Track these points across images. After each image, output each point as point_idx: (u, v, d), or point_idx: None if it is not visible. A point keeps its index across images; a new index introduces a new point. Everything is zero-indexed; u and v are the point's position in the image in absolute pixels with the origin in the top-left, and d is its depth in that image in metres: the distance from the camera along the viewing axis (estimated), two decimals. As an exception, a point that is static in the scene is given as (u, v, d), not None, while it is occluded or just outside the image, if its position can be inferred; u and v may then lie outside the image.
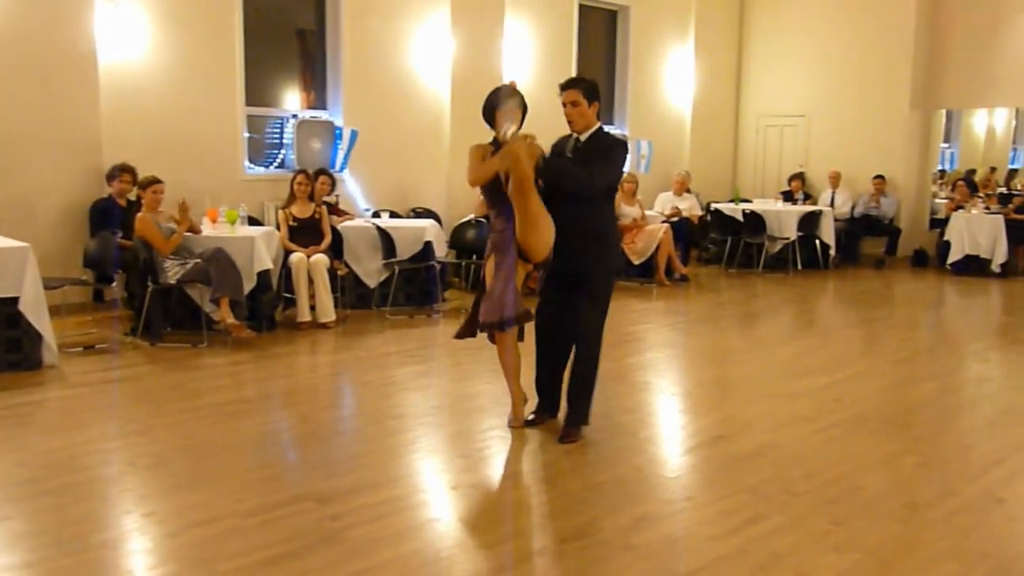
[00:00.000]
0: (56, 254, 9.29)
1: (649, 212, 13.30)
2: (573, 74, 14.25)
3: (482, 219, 10.84)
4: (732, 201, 15.03)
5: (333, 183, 10.54)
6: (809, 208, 14.41)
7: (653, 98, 15.98)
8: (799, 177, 15.94)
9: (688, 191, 14.63)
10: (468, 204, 11.88)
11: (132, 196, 9.32)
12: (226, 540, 4.17)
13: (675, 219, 13.58)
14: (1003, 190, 16.13)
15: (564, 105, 5.84)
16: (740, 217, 14.01)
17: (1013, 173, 17.11)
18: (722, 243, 14.38)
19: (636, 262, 12.39)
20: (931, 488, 5.02)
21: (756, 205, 14.58)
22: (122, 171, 9.38)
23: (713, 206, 14.71)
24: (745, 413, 6.51)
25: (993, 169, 16.85)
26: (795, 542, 4.25)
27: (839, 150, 16.03)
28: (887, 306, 11.77)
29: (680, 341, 9.25)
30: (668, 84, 16.16)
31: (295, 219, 9.52)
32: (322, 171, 10.39)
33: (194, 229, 8.74)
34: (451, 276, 11.41)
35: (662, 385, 7.38)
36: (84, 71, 9.47)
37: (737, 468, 5.30)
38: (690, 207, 14.13)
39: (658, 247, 12.45)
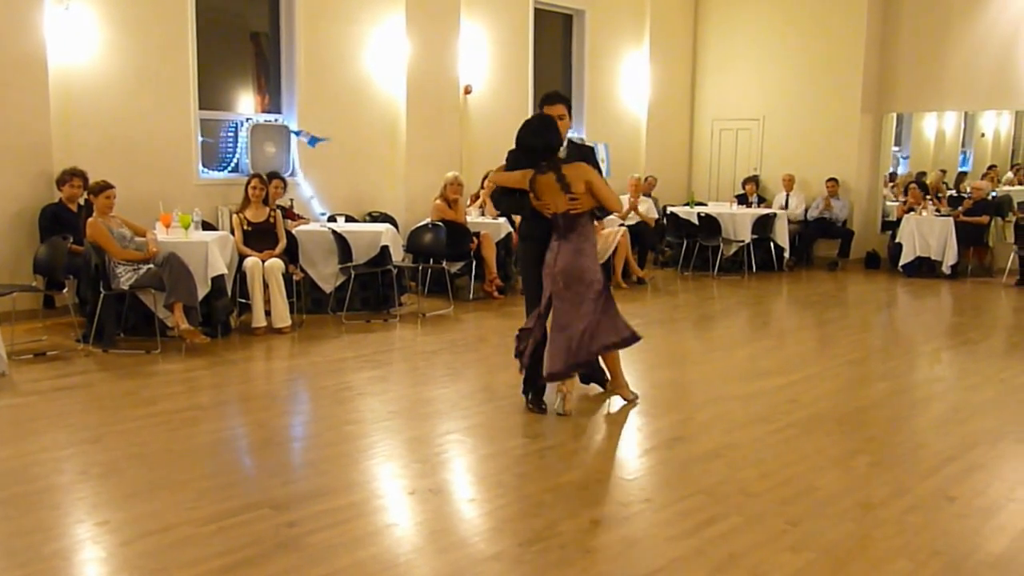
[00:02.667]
0: (5, 260, 9.15)
1: (610, 217, 13.34)
2: (530, 78, 14.32)
3: (439, 223, 10.83)
4: (687, 204, 15.12)
5: (285, 186, 10.48)
6: (763, 211, 14.53)
7: (609, 101, 16.06)
8: (753, 180, 16.09)
9: (647, 195, 14.71)
10: (425, 208, 11.86)
11: (82, 201, 9.21)
12: (181, 548, 4.13)
13: (633, 223, 13.66)
14: (952, 193, 16.36)
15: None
16: (695, 220, 14.10)
17: (962, 176, 17.37)
18: (678, 246, 14.46)
19: (594, 265, 12.48)
20: (884, 487, 5.09)
21: (711, 208, 14.67)
22: (72, 175, 9.25)
23: (669, 209, 14.78)
24: (702, 415, 6.55)
25: (944, 172, 17.09)
26: (752, 542, 4.29)
27: (793, 153, 16.21)
28: (840, 308, 11.90)
29: (639, 344, 9.27)
30: (624, 87, 16.25)
31: (249, 223, 9.45)
32: (275, 175, 10.33)
33: (148, 254, 8.57)
34: (408, 280, 11.38)
35: (619, 388, 7.39)
36: (33, 74, 9.34)
37: (694, 469, 5.33)
38: (647, 210, 14.21)
39: (615, 250, 12.51)
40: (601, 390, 6.90)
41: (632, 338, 6.47)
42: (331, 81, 12.03)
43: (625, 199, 14.10)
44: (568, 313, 6.22)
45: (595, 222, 6.45)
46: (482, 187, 12.30)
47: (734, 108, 17.01)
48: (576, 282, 6.21)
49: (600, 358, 6.62)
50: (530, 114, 9.09)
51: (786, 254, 14.54)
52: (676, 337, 9.73)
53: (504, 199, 6.66)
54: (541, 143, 6.22)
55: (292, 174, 11.53)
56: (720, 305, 11.83)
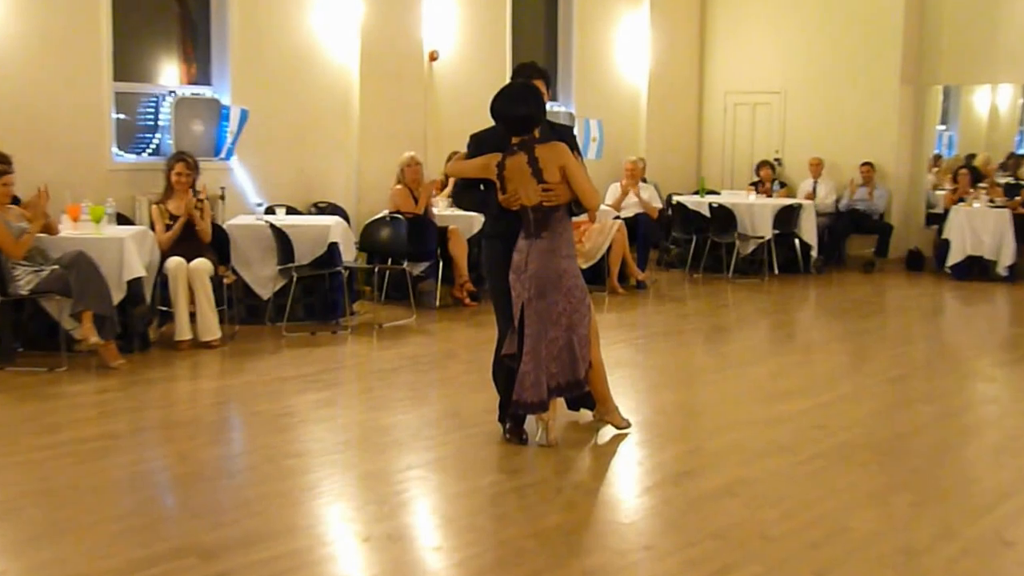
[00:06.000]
0: None
1: (602, 206, 13.31)
2: (508, 44, 14.30)
3: (397, 215, 10.81)
4: (697, 193, 15.12)
5: (196, 171, 10.29)
6: (787, 201, 14.58)
7: (603, 72, 16.07)
8: (769, 164, 16.10)
9: (644, 180, 14.72)
10: (381, 197, 11.84)
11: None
12: (89, 606, 4.11)
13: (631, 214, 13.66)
14: (1010, 179, 16.38)
15: None
16: (706, 212, 14.11)
17: (1019, 160, 17.34)
18: (685, 243, 14.46)
19: (584, 266, 12.38)
20: (929, 529, 5.11)
21: (725, 198, 14.68)
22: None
23: (675, 199, 14.78)
24: (713, 444, 6.56)
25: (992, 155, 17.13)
26: (771, 596, 4.30)
27: (820, 132, 16.24)
28: (878, 316, 11.95)
29: (637, 360, 9.32)
30: (620, 55, 16.26)
31: (173, 216, 9.42)
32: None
33: (51, 228, 8.60)
34: (360, 284, 11.36)
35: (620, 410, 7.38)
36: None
37: (704, 509, 5.34)
38: (648, 199, 14.19)
39: (610, 248, 12.51)
40: (591, 417, 6.90)
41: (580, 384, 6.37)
42: (270, 47, 11.98)
43: (614, 188, 14.07)
44: (543, 327, 6.20)
45: (571, 220, 6.42)
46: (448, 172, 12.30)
47: (751, 79, 17.04)
48: (552, 289, 6.17)
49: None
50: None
51: (813, 252, 14.56)
52: (683, 352, 9.74)
53: (466, 195, 6.65)
54: (523, 112, 6.17)
55: (225, 157, 11.50)
56: (735, 313, 11.87)
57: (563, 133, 6.49)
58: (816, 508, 5.35)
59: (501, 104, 6.21)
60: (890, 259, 15.50)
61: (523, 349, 6.20)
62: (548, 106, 6.44)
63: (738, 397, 7.91)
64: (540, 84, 6.41)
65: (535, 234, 6.20)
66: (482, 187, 6.43)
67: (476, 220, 11.43)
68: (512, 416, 6.43)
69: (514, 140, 6.19)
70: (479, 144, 6.44)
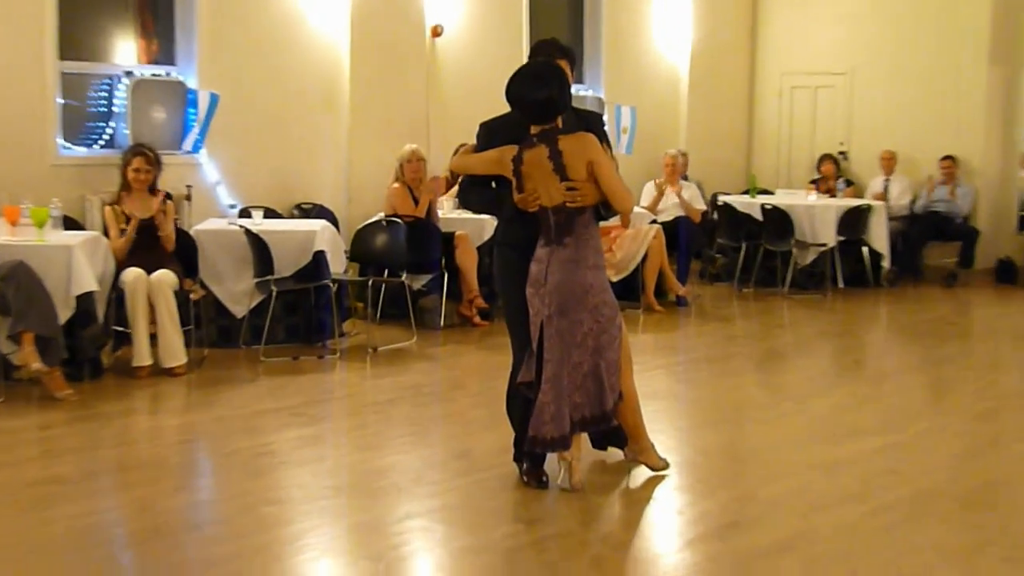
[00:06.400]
0: None
1: (636, 209, 13.29)
2: (525, 16, 14.32)
3: (394, 219, 10.80)
4: (747, 193, 15.13)
5: (158, 166, 10.28)
6: (853, 202, 14.55)
7: (636, 49, 16.09)
8: (832, 159, 16.06)
9: (685, 178, 14.71)
10: (376, 198, 11.84)
11: None
12: None
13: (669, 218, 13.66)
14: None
15: None
16: (758, 215, 14.10)
17: None
18: (733, 252, 14.48)
19: (615, 279, 12.36)
20: (1024, 593, 5.08)
21: (780, 198, 14.67)
22: None
23: (721, 200, 14.79)
24: (767, 491, 6.54)
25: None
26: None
27: (893, 121, 16.22)
28: (962, 339, 11.91)
29: (676, 390, 9.31)
30: (657, 30, 16.30)
31: (130, 220, 9.40)
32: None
33: None
34: (352, 300, 11.36)
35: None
36: None
37: (756, 569, 5.32)
38: (690, 200, 14.17)
39: (645, 257, 12.50)
40: (621, 456, 6.89)
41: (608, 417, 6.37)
42: (245, 20, 12.03)
43: (651, 187, 14.03)
44: (565, 351, 6.19)
45: (599, 223, 6.38)
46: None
47: (811, 58, 17.04)
48: (576, 305, 6.15)
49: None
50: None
51: (885, 263, 14.53)
52: (731, 381, 9.72)
53: (474, 194, 6.65)
54: (544, 96, 6.11)
55: (192, 150, 11.52)
56: (793, 336, 11.84)
57: (590, 122, 6.47)
58: (890, 568, 5.33)
59: (518, 87, 6.17)
60: (976, 270, 15.43)
61: (542, 376, 6.19)
62: (573, 90, 6.42)
63: (796, 436, 7.87)
64: (564, 64, 6.36)
65: (557, 241, 6.17)
66: (494, 185, 6.41)
67: (488, 224, 11.41)
68: (530, 455, 6.41)
69: (533, 130, 6.16)
70: (491, 134, 6.42)
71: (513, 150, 6.18)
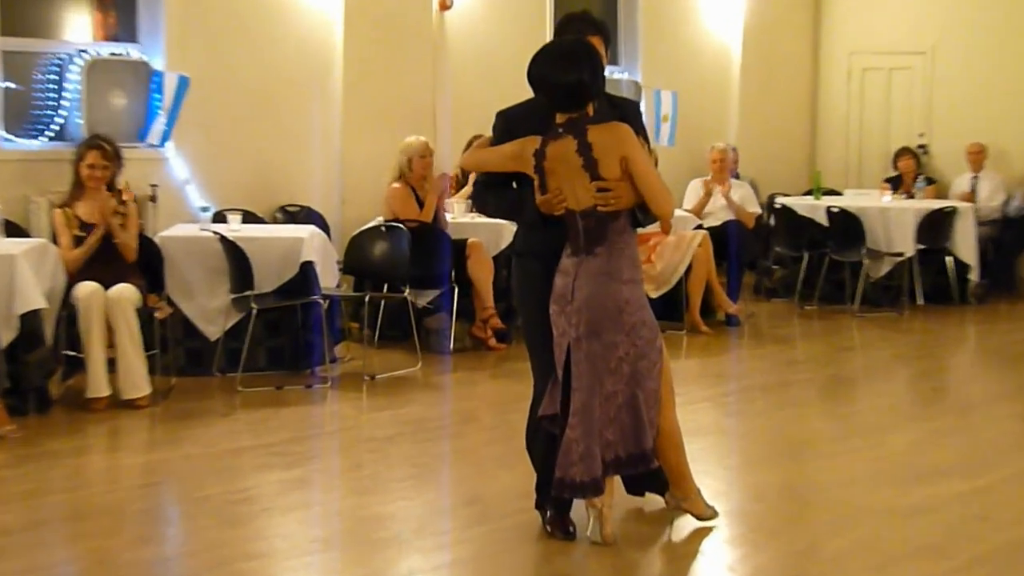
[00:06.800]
0: None
1: (678, 212, 13.23)
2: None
3: (395, 224, 10.80)
4: (810, 193, 15.13)
5: (119, 162, 10.30)
6: (935, 204, 14.52)
7: (679, 26, 16.12)
8: (912, 154, 16.04)
9: (736, 176, 14.69)
10: (374, 199, 11.85)
11: None
12: None
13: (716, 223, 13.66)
14: None
15: None
16: (823, 220, 14.10)
17: None
18: (793, 262, 14.48)
19: (655, 294, 12.34)
20: None
21: (848, 200, 14.69)
22: None
23: (778, 201, 14.78)
24: (833, 543, 6.54)
25: None
26: None
27: (982, 109, 16.21)
28: (1064, 364, 11.89)
29: (726, 425, 9.32)
30: (705, 4, 16.34)
31: (85, 226, 9.44)
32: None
33: None
34: (346, 320, 11.37)
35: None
36: None
37: (821, 634, 5.32)
38: (741, 202, 14.16)
39: (689, 269, 12.49)
40: (662, 503, 6.89)
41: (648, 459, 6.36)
42: (221, -8, 12.09)
43: (697, 186, 14.03)
44: (596, 378, 6.18)
45: (636, 229, 6.36)
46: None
47: (886, 35, 17.04)
48: (609, 326, 6.13)
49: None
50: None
51: (973, 275, 14.51)
52: (791, 413, 9.71)
53: (491, 196, 6.64)
54: (573, 79, 6.08)
55: (158, 143, 11.55)
56: (863, 360, 11.82)
57: (626, 111, 6.44)
58: (980, 633, 5.33)
59: (544, 67, 6.14)
60: (1081, 284, 15.45)
61: (569, 409, 6.19)
62: (606, 72, 6.42)
63: (867, 477, 7.84)
64: (597, 42, 6.33)
65: (586, 250, 6.15)
66: (514, 185, 6.41)
67: (506, 230, 11.42)
68: (554, 501, 6.40)
69: (559, 119, 6.13)
70: (510, 124, 6.38)
71: (535, 142, 6.13)
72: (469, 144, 11.95)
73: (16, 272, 8.57)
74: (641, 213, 6.21)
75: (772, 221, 14.73)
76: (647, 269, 12.29)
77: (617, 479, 6.44)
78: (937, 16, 16.56)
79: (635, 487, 6.81)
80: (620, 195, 6.05)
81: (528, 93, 6.27)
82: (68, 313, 9.20)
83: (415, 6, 13.08)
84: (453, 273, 11.23)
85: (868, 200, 14.58)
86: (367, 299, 11.19)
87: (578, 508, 6.42)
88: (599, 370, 6.12)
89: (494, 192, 6.56)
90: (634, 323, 6.14)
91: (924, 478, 7.71)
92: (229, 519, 6.79)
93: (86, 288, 9.10)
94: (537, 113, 6.23)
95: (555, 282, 6.20)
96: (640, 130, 6.33)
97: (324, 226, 11.57)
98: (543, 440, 6.41)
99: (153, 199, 11.25)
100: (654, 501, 6.87)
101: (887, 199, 14.62)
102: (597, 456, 6.11)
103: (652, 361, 6.19)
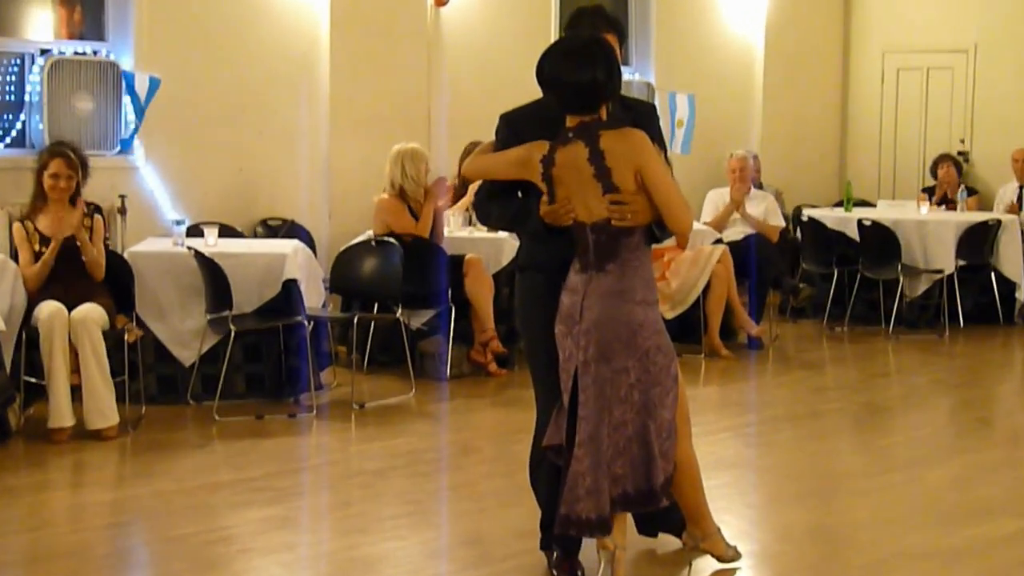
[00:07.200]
0: None
1: (696, 225, 13.17)
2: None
3: (389, 239, 10.78)
4: (840, 205, 15.10)
5: (85, 172, 10.29)
6: (978, 217, 14.52)
7: (696, 23, 16.15)
8: (953, 162, 16.02)
9: (759, 186, 14.69)
10: (363, 212, 11.84)
11: None
12: None
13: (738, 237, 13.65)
14: None
15: None
16: (854, 234, 14.09)
17: None
18: (823, 280, 14.48)
19: (670, 315, 12.32)
20: None
21: (883, 212, 14.68)
22: None
23: (805, 214, 14.76)
24: (869, 587, 6.52)
25: None
26: None
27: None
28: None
29: (749, 458, 9.30)
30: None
31: (47, 240, 9.42)
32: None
33: None
34: (332, 343, 11.36)
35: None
36: None
37: None
38: (765, 215, 14.14)
39: (708, 287, 12.49)
40: (677, 544, 6.85)
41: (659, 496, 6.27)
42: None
43: (716, 196, 14.01)
44: (604, 406, 6.15)
45: (651, 245, 6.31)
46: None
47: (923, 31, 17.06)
48: (621, 350, 6.06)
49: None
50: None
51: (1020, 294, 14.48)
52: (820, 446, 9.69)
53: (495, 206, 6.57)
54: (586, 78, 6.02)
55: (124, 150, 11.54)
56: (900, 387, 11.81)
57: (640, 115, 6.40)
58: None
59: (555, 65, 6.08)
60: None
61: (575, 439, 6.16)
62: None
63: (906, 516, 7.82)
64: (611, 39, 6.29)
65: (596, 266, 6.10)
66: (518, 194, 6.37)
67: (507, 245, 11.42)
68: (561, 540, 6.37)
69: (570, 122, 6.09)
70: (516, 127, 6.32)
71: (543, 148, 6.06)
72: (466, 152, 11.97)
73: (-30, 291, 8.57)
74: (658, 228, 6.14)
75: (799, 235, 14.73)
76: (662, 287, 12.25)
77: (628, 518, 6.40)
78: (979, 10, 16.58)
79: (647, 527, 6.78)
80: (636, 209, 5.98)
81: (532, 95, 6.24)
82: (28, 335, 9.18)
83: (407, 5, 13.08)
84: (450, 292, 11.22)
85: (904, 212, 14.58)
86: (356, 320, 11.14)
87: (588, 549, 6.37)
88: (608, 397, 6.06)
89: (499, 202, 6.48)
90: (648, 348, 6.08)
91: (969, 518, 7.68)
92: (205, 562, 6.77)
93: (48, 308, 9.08)
94: (545, 115, 6.18)
95: (561, 300, 6.14)
96: (656, 135, 6.30)
97: (309, 241, 11.57)
98: (548, 473, 6.38)
99: (122, 211, 11.25)
100: (668, 542, 6.85)
101: (924, 211, 14.61)
102: (605, 491, 6.06)
103: (666, 388, 6.13)
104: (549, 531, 6.40)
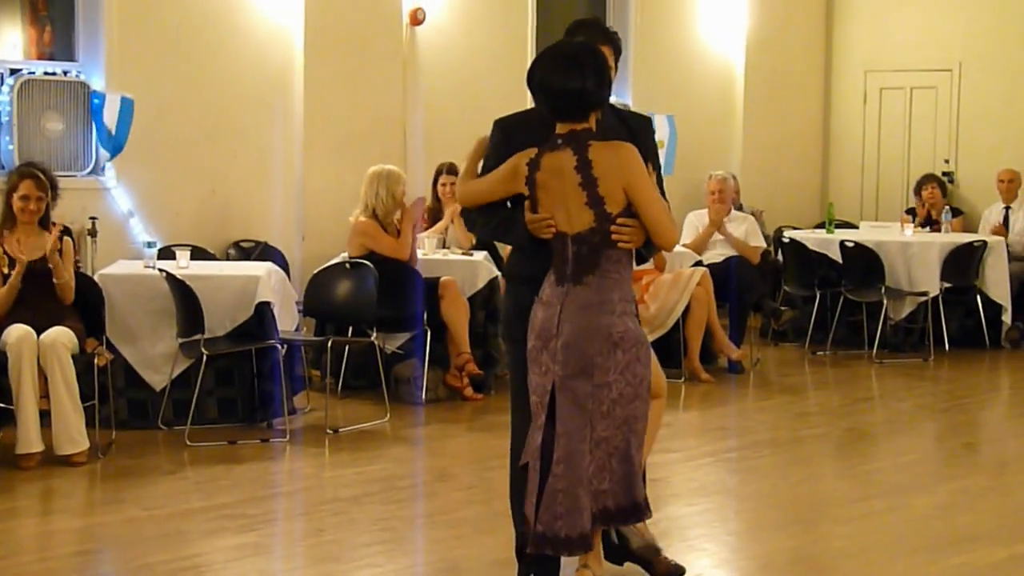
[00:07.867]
0: None
1: (676, 248, 13.15)
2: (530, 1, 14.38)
3: (364, 260, 10.76)
4: (822, 227, 15.13)
5: (55, 193, 10.27)
6: (963, 238, 14.55)
7: (675, 42, 16.17)
8: (937, 182, 16.05)
9: (739, 208, 14.70)
10: (338, 234, 11.83)
11: None
12: None
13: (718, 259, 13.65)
14: None
15: None
16: (836, 255, 14.10)
17: None
18: (804, 303, 14.49)
19: (649, 338, 12.30)
20: None
21: (865, 233, 14.72)
22: None
23: (787, 235, 14.77)
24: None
25: None
26: None
27: (1014, 132, 16.27)
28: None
29: (729, 484, 9.27)
30: (703, 16, 16.40)
31: (15, 263, 9.39)
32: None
33: None
34: (307, 367, 11.34)
35: (701, 566, 7.30)
36: None
37: None
38: (745, 236, 14.15)
39: (687, 310, 12.49)
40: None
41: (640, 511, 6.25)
42: (168, 6, 12.06)
43: (696, 219, 14.02)
44: (583, 422, 6.07)
45: (633, 262, 6.26)
46: (438, 193, 12.40)
47: (906, 50, 17.11)
48: (601, 364, 6.00)
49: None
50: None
51: (1005, 317, 14.53)
52: (803, 472, 9.69)
53: (479, 214, 6.55)
54: (576, 85, 6.01)
55: (95, 171, 11.52)
56: (884, 412, 11.82)
57: (634, 127, 6.40)
58: None
59: (545, 71, 6.07)
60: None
61: (553, 456, 6.12)
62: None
63: (890, 543, 7.80)
64: (607, 51, 6.31)
65: (572, 279, 6.04)
66: (507, 205, 6.33)
67: (482, 268, 11.44)
68: (538, 563, 6.34)
69: (559, 129, 6.07)
70: (508, 132, 6.31)
71: (531, 152, 6.05)
72: (438, 172, 12.02)
73: (-64, 315, 8.55)
74: (644, 248, 6.15)
75: (780, 257, 14.73)
76: (640, 311, 12.17)
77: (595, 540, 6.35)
78: (963, 29, 16.63)
79: (618, 555, 6.72)
80: (638, 229, 6.01)
81: (510, 110, 6.25)
82: (-4, 359, 9.17)
83: (383, 20, 13.09)
84: (425, 315, 11.20)
85: (887, 234, 14.60)
86: (330, 344, 11.12)
87: (567, 570, 6.35)
88: (590, 413, 6.02)
89: (483, 211, 6.45)
90: (629, 360, 6.04)
91: (954, 545, 7.67)
92: (175, 590, 6.75)
93: (17, 332, 9.05)
94: (538, 122, 6.17)
95: (534, 314, 6.08)
96: (651, 150, 6.30)
97: (282, 263, 11.56)
98: (526, 500, 6.34)
99: (92, 233, 11.23)
100: (636, 572, 6.81)
101: (908, 232, 14.63)
102: (587, 508, 6.01)
103: (645, 400, 6.11)
104: (524, 554, 6.36)
